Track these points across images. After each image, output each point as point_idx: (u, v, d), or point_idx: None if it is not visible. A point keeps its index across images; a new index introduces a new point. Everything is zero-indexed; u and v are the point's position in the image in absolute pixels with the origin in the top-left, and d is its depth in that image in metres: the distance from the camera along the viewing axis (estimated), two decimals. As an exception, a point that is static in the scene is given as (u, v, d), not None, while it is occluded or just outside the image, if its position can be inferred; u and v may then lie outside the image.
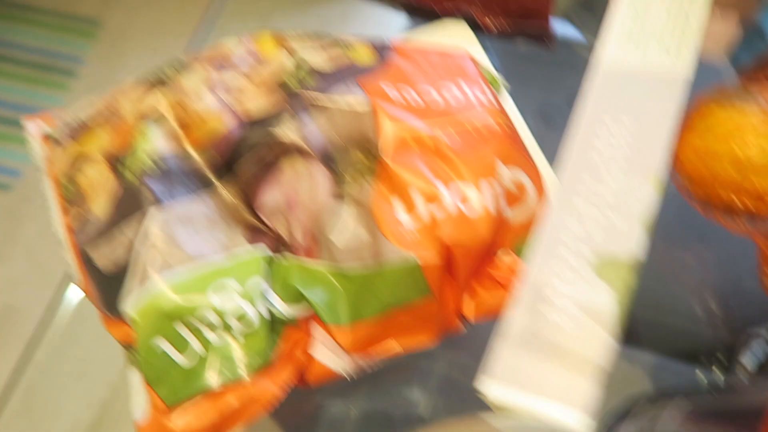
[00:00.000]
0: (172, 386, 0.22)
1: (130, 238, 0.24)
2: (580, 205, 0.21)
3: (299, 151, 0.25)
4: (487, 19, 0.31)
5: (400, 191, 0.24)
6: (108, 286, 0.24)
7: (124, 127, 0.26)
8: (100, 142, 0.27)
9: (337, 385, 0.25)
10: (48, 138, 0.28)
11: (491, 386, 0.18)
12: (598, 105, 0.22)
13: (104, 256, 0.24)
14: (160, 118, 0.26)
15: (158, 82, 0.27)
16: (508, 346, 0.19)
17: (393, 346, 0.24)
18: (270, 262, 0.24)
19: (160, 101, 0.26)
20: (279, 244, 0.25)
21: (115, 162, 0.25)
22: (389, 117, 0.25)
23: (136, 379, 0.23)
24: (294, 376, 0.23)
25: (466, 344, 0.27)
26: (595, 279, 0.19)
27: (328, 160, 0.25)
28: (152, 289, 0.22)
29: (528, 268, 0.20)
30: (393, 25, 0.37)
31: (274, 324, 0.23)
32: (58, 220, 0.26)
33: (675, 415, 0.24)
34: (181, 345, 0.22)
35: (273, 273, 0.24)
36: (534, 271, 0.20)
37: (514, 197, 0.25)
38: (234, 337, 0.23)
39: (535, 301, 0.19)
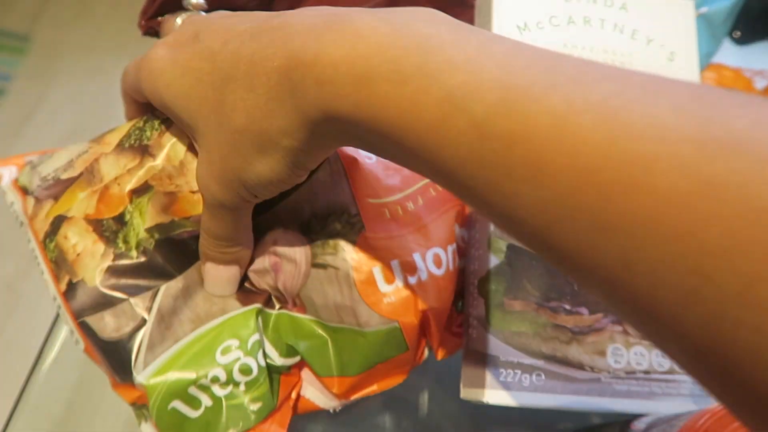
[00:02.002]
0: (189, 439, 0.25)
1: (141, 313, 0.26)
2: None
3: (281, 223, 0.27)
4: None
5: (381, 263, 0.27)
6: (115, 353, 0.26)
7: (108, 193, 0.27)
8: (82, 205, 0.27)
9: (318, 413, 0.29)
10: (19, 186, 0.28)
11: (464, 391, 0.29)
12: None
13: (110, 328, 0.25)
14: (151, 192, 0.27)
15: (141, 147, 0.27)
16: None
17: (373, 389, 0.28)
18: (263, 315, 0.27)
19: (150, 176, 0.27)
20: (270, 300, 0.28)
21: (101, 228, 0.26)
22: (365, 191, 0.28)
23: (149, 432, 0.26)
24: (292, 414, 0.27)
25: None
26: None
27: (307, 230, 0.27)
28: (166, 361, 0.25)
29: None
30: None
31: (272, 373, 0.27)
32: (52, 287, 0.27)
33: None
34: (194, 403, 0.26)
35: (266, 326, 0.27)
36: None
37: (462, 251, 0.30)
38: (241, 389, 0.26)
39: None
